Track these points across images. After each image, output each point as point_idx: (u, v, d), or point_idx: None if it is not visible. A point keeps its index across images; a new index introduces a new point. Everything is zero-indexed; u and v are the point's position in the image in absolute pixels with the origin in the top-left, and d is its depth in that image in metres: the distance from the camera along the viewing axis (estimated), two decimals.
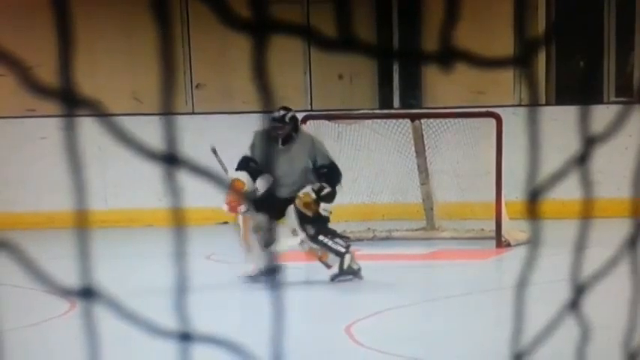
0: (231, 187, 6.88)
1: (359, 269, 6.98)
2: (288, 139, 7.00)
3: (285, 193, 6.98)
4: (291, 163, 6.94)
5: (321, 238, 6.85)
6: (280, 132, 6.93)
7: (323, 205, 6.90)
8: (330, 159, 7.12)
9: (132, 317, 0.83)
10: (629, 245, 1.05)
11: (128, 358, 4.73)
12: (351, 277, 6.93)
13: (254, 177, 7.01)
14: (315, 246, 6.93)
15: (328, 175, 6.99)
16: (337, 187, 7.08)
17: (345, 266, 6.88)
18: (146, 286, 6.40)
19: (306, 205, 6.88)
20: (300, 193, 6.88)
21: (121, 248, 6.79)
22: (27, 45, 8.98)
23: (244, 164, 7.10)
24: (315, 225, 6.86)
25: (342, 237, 7.06)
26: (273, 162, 6.52)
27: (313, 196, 6.89)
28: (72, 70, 0.77)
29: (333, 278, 6.90)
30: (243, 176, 7.01)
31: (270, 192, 7.12)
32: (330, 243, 6.88)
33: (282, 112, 7.04)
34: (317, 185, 6.91)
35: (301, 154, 7.00)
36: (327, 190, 6.90)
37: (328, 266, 6.95)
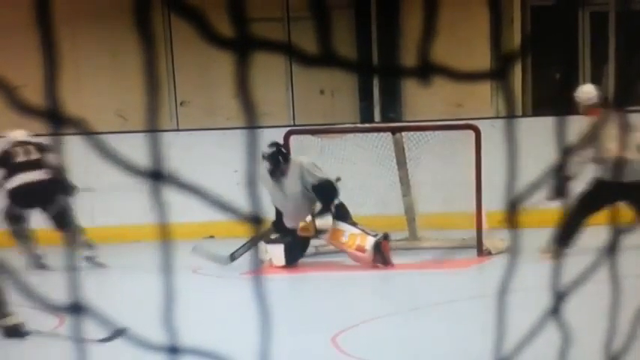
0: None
1: None
2: (278, 174, 7.18)
3: (291, 224, 7.22)
4: (285, 195, 7.10)
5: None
6: (270, 169, 7.15)
7: (318, 223, 7.09)
8: (318, 177, 7.22)
9: (120, 331, 0.84)
10: (608, 251, 1.07)
11: None
12: None
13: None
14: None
15: (318, 193, 7.13)
16: (336, 202, 7.26)
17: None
18: (134, 300, 6.38)
19: (304, 229, 7.15)
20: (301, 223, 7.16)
21: (109, 263, 6.78)
22: (12, 64, 8.93)
23: None
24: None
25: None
26: (274, 198, 6.82)
27: (309, 219, 7.09)
28: (57, 90, 0.78)
29: None
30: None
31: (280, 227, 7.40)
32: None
33: (266, 150, 7.29)
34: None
35: (293, 183, 7.13)
36: (319, 209, 7.12)
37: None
